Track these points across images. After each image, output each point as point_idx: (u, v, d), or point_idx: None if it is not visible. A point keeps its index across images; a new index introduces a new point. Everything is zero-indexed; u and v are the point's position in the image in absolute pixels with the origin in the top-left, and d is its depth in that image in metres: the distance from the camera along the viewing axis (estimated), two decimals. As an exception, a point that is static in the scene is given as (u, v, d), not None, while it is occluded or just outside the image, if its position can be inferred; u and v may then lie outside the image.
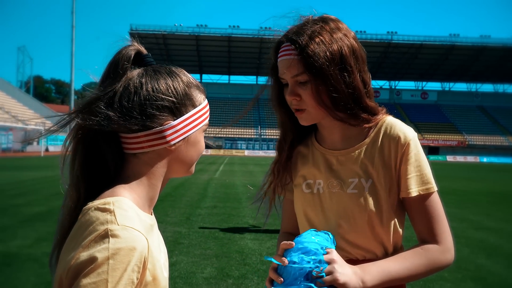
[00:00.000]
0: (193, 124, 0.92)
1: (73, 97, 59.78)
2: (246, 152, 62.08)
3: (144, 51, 0.94)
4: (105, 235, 0.73)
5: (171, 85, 0.90)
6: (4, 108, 50.74)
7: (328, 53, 1.10)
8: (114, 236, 0.73)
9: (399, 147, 1.17)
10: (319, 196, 1.22)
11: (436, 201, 1.16)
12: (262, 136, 66.20)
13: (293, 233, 1.31)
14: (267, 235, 6.57)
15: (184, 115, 0.90)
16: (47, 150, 46.91)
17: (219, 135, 66.66)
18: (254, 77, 79.20)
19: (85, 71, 0.93)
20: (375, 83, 74.30)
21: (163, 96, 0.87)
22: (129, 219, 0.78)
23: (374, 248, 1.18)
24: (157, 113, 0.87)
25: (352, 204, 1.17)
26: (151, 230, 0.87)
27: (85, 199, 0.86)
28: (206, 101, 0.98)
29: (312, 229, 1.09)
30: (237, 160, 38.39)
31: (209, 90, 77.56)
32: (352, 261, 1.16)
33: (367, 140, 1.22)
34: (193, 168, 0.99)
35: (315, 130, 1.32)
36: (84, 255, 0.72)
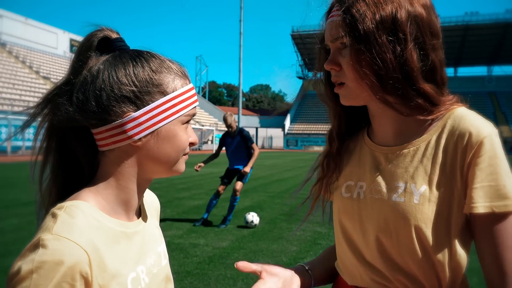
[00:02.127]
0: (164, 115, 0.79)
1: (241, 99, 64.80)
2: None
3: (114, 35, 0.83)
4: (37, 245, 0.66)
5: (131, 72, 0.78)
6: (184, 111, 57.78)
7: (377, 15, 0.87)
8: (43, 246, 0.65)
9: (469, 147, 0.85)
10: (359, 202, 0.97)
11: None
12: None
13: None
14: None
15: (148, 105, 0.78)
16: (218, 148, 51.78)
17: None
18: (485, 68, 72.46)
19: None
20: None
21: (120, 85, 0.77)
22: (69, 228, 0.69)
23: (422, 276, 0.88)
24: (115, 104, 0.77)
25: (395, 215, 0.89)
26: (122, 239, 0.78)
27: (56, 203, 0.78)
28: (188, 87, 0.84)
29: None
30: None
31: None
32: None
33: (427, 135, 0.92)
34: (179, 167, 0.85)
35: (369, 122, 1.06)
36: (16, 265, 0.66)
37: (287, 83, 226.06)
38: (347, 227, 1.00)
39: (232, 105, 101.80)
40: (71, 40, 49.57)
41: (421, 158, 0.91)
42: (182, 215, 7.60)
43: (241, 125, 64.82)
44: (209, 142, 51.59)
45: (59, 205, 0.74)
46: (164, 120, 0.80)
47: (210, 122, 59.36)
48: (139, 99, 0.78)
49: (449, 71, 71.75)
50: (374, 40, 0.86)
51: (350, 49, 0.89)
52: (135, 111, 0.78)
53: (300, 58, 77.00)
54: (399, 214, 0.89)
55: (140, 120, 0.78)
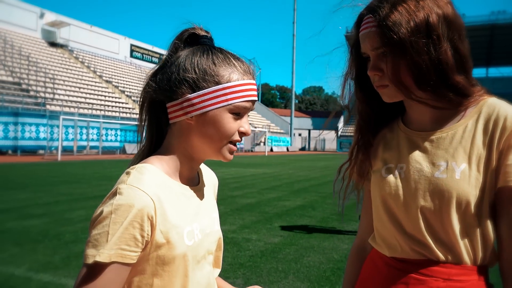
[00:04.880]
0: (213, 101, 0.92)
1: (294, 101, 64.71)
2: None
3: (202, 32, 1.00)
4: (115, 193, 0.84)
5: (195, 61, 0.94)
6: (238, 113, 58.51)
7: (411, 23, 0.96)
8: (119, 193, 0.83)
9: (506, 129, 0.96)
10: (401, 181, 1.06)
11: None
12: None
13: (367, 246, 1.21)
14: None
15: (202, 90, 0.93)
16: (271, 150, 52.03)
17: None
18: None
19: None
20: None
21: (184, 71, 0.93)
22: (139, 181, 0.86)
23: (460, 249, 0.97)
24: (178, 85, 0.93)
25: (439, 190, 0.99)
26: (181, 197, 0.95)
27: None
28: (244, 81, 0.95)
29: None
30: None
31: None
32: (433, 262, 0.98)
33: (463, 121, 1.03)
34: (224, 153, 0.97)
35: (403, 112, 1.16)
36: (98, 209, 0.84)
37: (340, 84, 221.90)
38: (389, 204, 1.09)
39: (285, 107, 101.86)
40: (132, 45, 52.01)
41: (460, 140, 1.01)
42: (235, 212, 7.83)
43: (293, 127, 64.78)
44: (262, 144, 51.93)
45: (132, 166, 0.93)
46: (213, 105, 0.92)
47: (263, 124, 59.77)
48: (196, 84, 0.93)
49: (480, 72, 67.29)
50: (410, 46, 0.96)
51: (389, 56, 1.00)
52: (191, 93, 0.93)
53: (354, 59, 75.29)
54: (442, 188, 0.98)
55: (194, 101, 0.93)
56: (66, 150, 27.53)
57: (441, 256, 0.99)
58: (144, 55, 53.62)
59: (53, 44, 42.01)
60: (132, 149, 31.83)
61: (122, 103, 38.58)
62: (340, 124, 67.92)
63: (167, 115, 0.98)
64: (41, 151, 26.75)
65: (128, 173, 0.89)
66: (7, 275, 4.09)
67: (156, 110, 0.99)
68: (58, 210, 7.54)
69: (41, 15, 41.70)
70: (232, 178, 14.73)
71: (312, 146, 75.66)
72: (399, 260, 1.07)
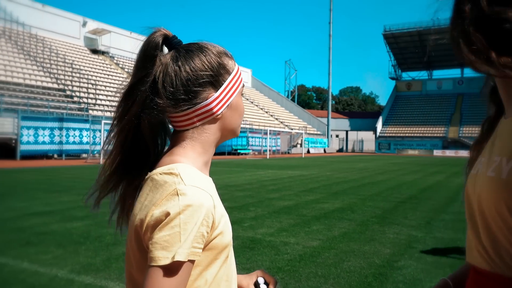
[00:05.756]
0: (232, 90, 0.98)
1: (330, 102, 64.03)
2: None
3: (170, 33, 0.97)
4: (175, 194, 0.82)
5: (206, 60, 0.94)
6: (274, 115, 58.67)
7: None
8: (182, 194, 0.82)
9: None
10: (474, 178, 0.91)
11: None
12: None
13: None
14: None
15: (223, 84, 0.96)
16: (308, 152, 51.63)
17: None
18: None
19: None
20: None
21: (202, 73, 0.93)
22: (194, 179, 0.86)
23: (500, 258, 0.82)
24: (201, 89, 0.93)
25: (486, 191, 0.84)
26: (213, 188, 0.94)
27: (134, 174, 0.97)
28: (237, 65, 1.02)
29: None
30: (506, 163, 33.07)
31: (473, 85, 69.73)
32: (474, 268, 0.87)
33: None
34: (239, 130, 1.04)
35: None
36: (157, 212, 0.82)
37: (378, 84, 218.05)
38: (467, 203, 0.96)
39: (322, 108, 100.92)
40: (169, 50, 53.03)
41: None
42: (272, 215, 7.75)
43: (330, 128, 64.04)
44: (298, 146, 51.66)
45: (167, 167, 0.89)
46: (234, 94, 0.98)
47: (299, 125, 59.43)
48: (217, 81, 0.95)
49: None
50: None
51: None
52: (216, 91, 0.95)
53: (393, 58, 73.95)
54: (488, 190, 0.83)
55: (220, 98, 0.95)
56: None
57: (481, 265, 0.86)
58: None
59: (95, 51, 43.58)
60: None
61: (161, 107, 39.36)
62: (379, 125, 66.50)
63: (168, 122, 0.99)
64: (84, 155, 27.71)
65: (173, 174, 0.87)
66: (50, 276, 4.19)
67: (157, 124, 0.95)
68: (100, 213, 7.54)
69: (84, 24, 43.31)
70: (269, 180, 14.66)
71: (350, 147, 74.46)
72: (473, 267, 0.93)
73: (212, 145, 0.99)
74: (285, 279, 4.21)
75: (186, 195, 0.82)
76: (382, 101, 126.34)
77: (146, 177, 0.92)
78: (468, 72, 72.85)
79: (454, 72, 78.47)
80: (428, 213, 8.19)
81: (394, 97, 74.38)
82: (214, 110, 0.94)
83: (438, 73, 77.61)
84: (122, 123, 0.94)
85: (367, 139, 71.74)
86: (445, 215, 8.03)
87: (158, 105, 0.91)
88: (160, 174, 0.88)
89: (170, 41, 0.97)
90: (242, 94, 1.04)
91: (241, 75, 1.03)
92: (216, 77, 0.95)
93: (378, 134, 65.66)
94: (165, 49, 0.97)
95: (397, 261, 4.90)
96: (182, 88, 0.92)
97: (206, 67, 0.94)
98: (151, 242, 0.80)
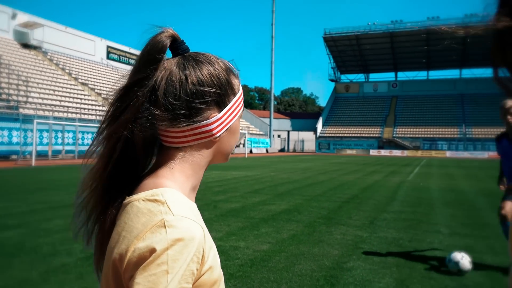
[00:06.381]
0: (235, 113, 0.88)
1: (272, 102, 64.79)
2: (448, 154, 56.53)
3: (179, 37, 0.85)
4: (161, 226, 0.71)
5: (215, 76, 0.84)
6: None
7: None
8: (170, 226, 0.71)
9: None
10: None
11: None
12: (467, 136, 59.17)
13: None
14: (461, 247, 5.74)
15: (227, 105, 0.86)
16: (251, 152, 51.87)
17: (417, 135, 62.51)
18: (457, 70, 72.04)
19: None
20: None
21: (209, 89, 0.83)
22: (182, 209, 0.75)
23: None
24: (205, 107, 0.83)
25: None
26: (200, 216, 0.82)
27: (113, 194, 0.82)
28: (240, 86, 0.92)
29: None
30: (436, 162, 35.29)
31: (405, 88, 73.68)
32: None
33: None
34: (229, 155, 0.94)
35: None
36: (140, 246, 0.70)
37: (319, 86, 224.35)
38: None
39: (264, 108, 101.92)
40: (108, 47, 51.02)
41: None
42: (220, 218, 7.63)
43: (272, 128, 64.85)
44: (241, 146, 51.71)
45: (151, 192, 0.77)
46: (235, 117, 0.89)
47: (242, 125, 59.58)
48: (222, 101, 0.85)
49: (423, 74, 70.68)
50: None
51: None
52: (219, 111, 0.84)
53: (332, 61, 76.30)
54: None
55: (222, 119, 0.85)
56: (40, 155, 26.71)
57: None
58: (121, 56, 52.59)
59: (26, 46, 40.81)
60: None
61: (99, 105, 37.80)
62: (319, 126, 68.32)
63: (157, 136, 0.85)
64: (14, 156, 25.89)
65: (159, 201, 0.75)
66: (-20, 294, 3.80)
67: (149, 138, 0.83)
68: (34, 220, 7.18)
69: (13, 16, 40.43)
70: (214, 181, 14.50)
71: (291, 147, 75.86)
72: None
73: (203, 169, 0.88)
74: (238, 286, 4.13)
75: (174, 228, 0.71)
76: (322, 102, 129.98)
77: (125, 202, 0.79)
78: (402, 76, 77.06)
79: (389, 76, 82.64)
80: (371, 213, 8.47)
81: (334, 99, 76.75)
82: (214, 131, 0.84)
83: (374, 76, 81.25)
84: (112, 127, 0.80)
85: (307, 139, 73.43)
86: (387, 215, 8.33)
87: (155, 116, 0.79)
88: (143, 200, 0.76)
89: (178, 46, 0.85)
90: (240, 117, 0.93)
91: (243, 95, 0.94)
92: (222, 96, 0.85)
93: (318, 134, 67.41)
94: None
95: (345, 262, 4.98)
96: (185, 102, 0.80)
97: (216, 83, 0.83)
98: (133, 282, 0.68)
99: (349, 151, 62.95)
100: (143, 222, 0.73)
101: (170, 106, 0.79)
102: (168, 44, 0.82)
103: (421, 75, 75.74)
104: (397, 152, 58.90)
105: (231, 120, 0.87)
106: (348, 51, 72.72)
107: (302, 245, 5.78)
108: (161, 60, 0.81)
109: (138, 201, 0.76)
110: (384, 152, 59.60)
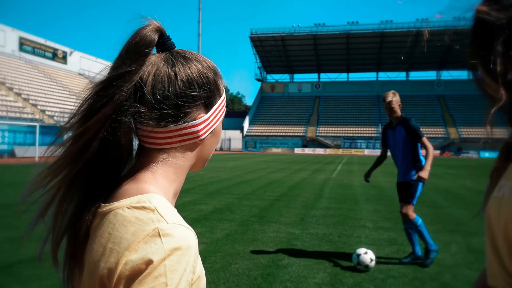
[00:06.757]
0: (219, 115, 0.85)
1: (199, 101, 64.34)
2: (366, 152, 60.02)
3: (165, 32, 0.80)
4: (156, 235, 0.65)
5: (204, 74, 0.80)
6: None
7: None
8: (166, 235, 0.65)
9: None
10: (499, 203, 0.86)
11: None
12: (383, 135, 63.20)
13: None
14: (385, 240, 6.10)
15: (213, 106, 0.82)
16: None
17: (338, 134, 65.57)
18: (374, 73, 76.85)
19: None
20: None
21: (198, 89, 0.78)
22: (175, 216, 0.70)
23: (500, 280, 0.83)
24: (193, 105, 0.78)
25: (491, 213, 0.84)
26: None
27: (89, 199, 0.73)
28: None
29: None
30: (356, 160, 37.25)
31: (327, 89, 77.01)
32: None
33: None
34: (207, 161, 0.90)
35: None
36: (133, 258, 0.64)
37: (245, 85, 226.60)
38: (488, 228, 0.91)
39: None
40: (21, 38, 47.08)
41: None
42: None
43: (199, 127, 64.14)
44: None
45: (136, 198, 0.70)
46: (219, 119, 0.85)
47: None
48: (210, 102, 0.81)
49: (402, 75, 75.61)
50: None
51: None
52: (206, 112, 0.81)
53: (259, 61, 77.46)
54: (492, 212, 0.84)
55: (208, 120, 0.81)
56: None
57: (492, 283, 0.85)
58: (35, 49, 48.66)
59: None
60: (24, 152, 28.97)
61: (11, 101, 34.89)
62: (246, 124, 69.02)
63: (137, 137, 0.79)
64: None
65: (148, 208, 0.69)
66: None
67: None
68: None
69: None
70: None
71: (218, 145, 75.75)
72: None
73: (185, 173, 0.82)
74: (174, 289, 4.02)
75: (171, 236, 0.65)
76: (249, 101, 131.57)
77: (103, 209, 0.71)
78: (324, 77, 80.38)
79: (312, 76, 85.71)
80: (301, 210, 8.70)
81: (260, 98, 78.05)
82: (200, 133, 0.80)
83: (298, 77, 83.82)
84: (87, 123, 0.71)
85: (234, 138, 73.80)
86: (316, 211, 8.62)
87: (140, 115, 0.72)
88: (128, 208, 0.69)
89: (164, 41, 0.79)
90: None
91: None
92: (210, 98, 0.81)
93: (245, 133, 68.10)
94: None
95: (281, 259, 5.06)
96: (174, 101, 0.75)
97: (205, 82, 0.79)
98: None
99: (274, 150, 64.36)
100: (132, 232, 0.66)
101: (157, 104, 0.74)
102: (157, 39, 0.76)
103: (342, 76, 79.94)
104: (320, 150, 61.35)
105: (216, 121, 0.83)
106: (274, 51, 74.35)
107: (237, 244, 5.78)
108: (149, 54, 0.75)
109: (122, 209, 0.69)
110: (308, 151, 61.78)
